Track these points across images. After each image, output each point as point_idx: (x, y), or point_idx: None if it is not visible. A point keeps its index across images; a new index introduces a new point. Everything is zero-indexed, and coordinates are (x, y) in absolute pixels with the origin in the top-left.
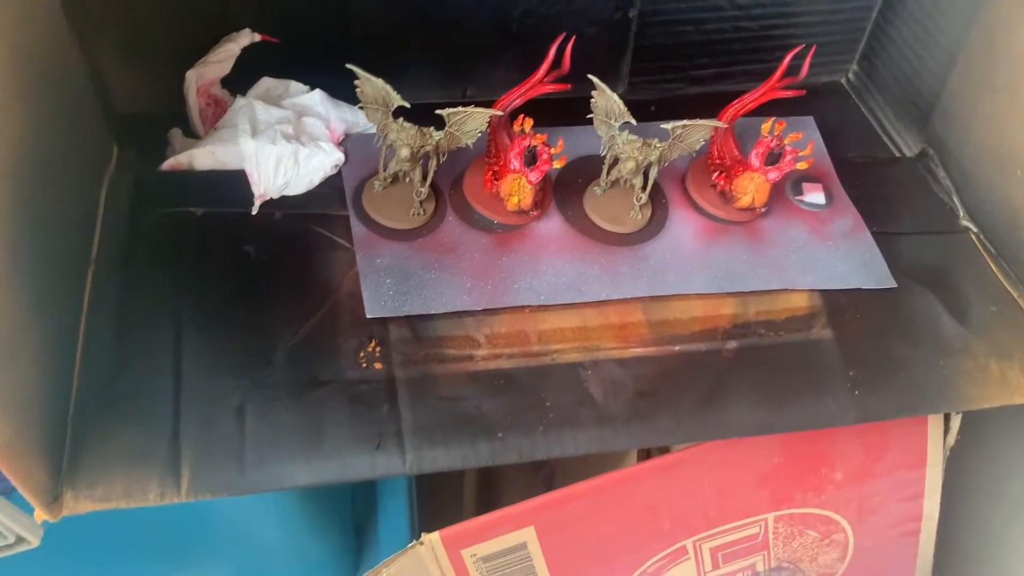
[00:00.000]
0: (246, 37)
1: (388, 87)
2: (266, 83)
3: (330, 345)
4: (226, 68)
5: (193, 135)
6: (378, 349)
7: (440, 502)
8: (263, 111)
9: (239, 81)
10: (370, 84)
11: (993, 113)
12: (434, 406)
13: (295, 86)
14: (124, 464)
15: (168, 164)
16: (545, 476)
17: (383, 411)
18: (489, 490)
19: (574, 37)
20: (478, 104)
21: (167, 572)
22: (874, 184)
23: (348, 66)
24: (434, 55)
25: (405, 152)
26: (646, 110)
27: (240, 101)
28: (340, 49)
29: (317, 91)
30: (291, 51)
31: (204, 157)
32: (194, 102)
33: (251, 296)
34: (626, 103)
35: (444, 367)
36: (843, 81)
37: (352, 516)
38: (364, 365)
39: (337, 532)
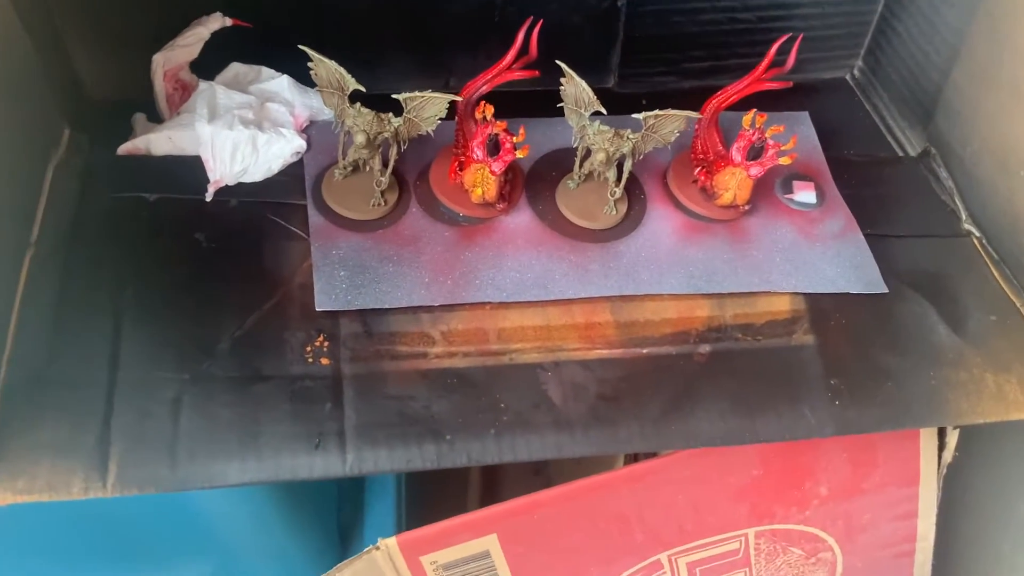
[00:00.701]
0: (217, 21)
1: (342, 70)
2: (235, 68)
3: (276, 338)
4: (194, 52)
5: (160, 120)
6: (326, 344)
7: (441, 507)
8: (224, 96)
9: (211, 66)
10: (323, 66)
11: (996, 109)
12: (380, 405)
13: (266, 72)
14: (48, 456)
15: (124, 148)
16: (543, 481)
17: (326, 409)
18: (492, 495)
19: (541, 21)
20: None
21: (142, 571)
22: (871, 184)
23: (300, 47)
24: (414, 43)
25: (361, 138)
26: (637, 104)
27: (202, 85)
28: (315, 35)
29: (285, 77)
30: (264, 36)
31: (161, 142)
32: (160, 87)
33: (198, 285)
34: (617, 96)
35: (395, 364)
36: (847, 78)
37: (338, 517)
38: (310, 360)
39: (321, 533)
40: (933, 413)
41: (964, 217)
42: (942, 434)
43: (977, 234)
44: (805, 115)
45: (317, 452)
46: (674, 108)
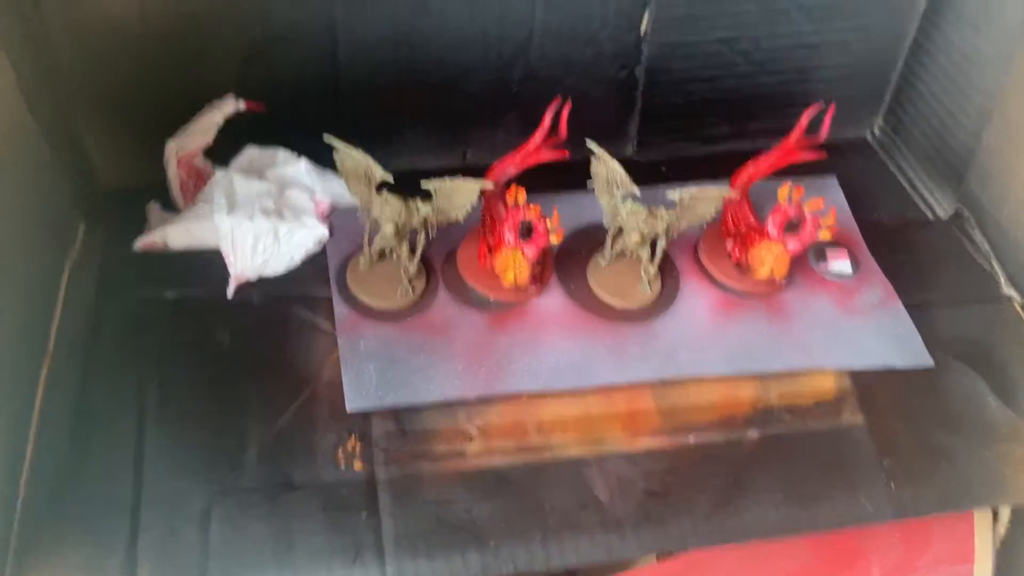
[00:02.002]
0: (230, 105)
1: (370, 159)
2: (251, 153)
3: (306, 443)
4: (208, 138)
5: (174, 209)
6: (358, 446)
7: None
8: (242, 184)
9: (225, 150)
10: (350, 157)
11: None
12: (419, 511)
13: (283, 154)
14: None
15: (142, 243)
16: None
17: (362, 518)
18: None
19: (570, 101)
20: (480, 169)
21: None
22: (905, 249)
23: (326, 137)
24: (431, 118)
25: (389, 228)
26: (656, 171)
27: (218, 174)
28: (330, 113)
29: (303, 160)
30: (279, 117)
31: (179, 235)
32: (174, 174)
33: (223, 389)
34: (635, 164)
35: (431, 466)
36: (868, 136)
37: None
38: (342, 465)
39: None
40: (992, 492)
41: (1003, 281)
42: (995, 508)
43: (1019, 298)
44: (833, 180)
45: (355, 565)
46: (695, 174)
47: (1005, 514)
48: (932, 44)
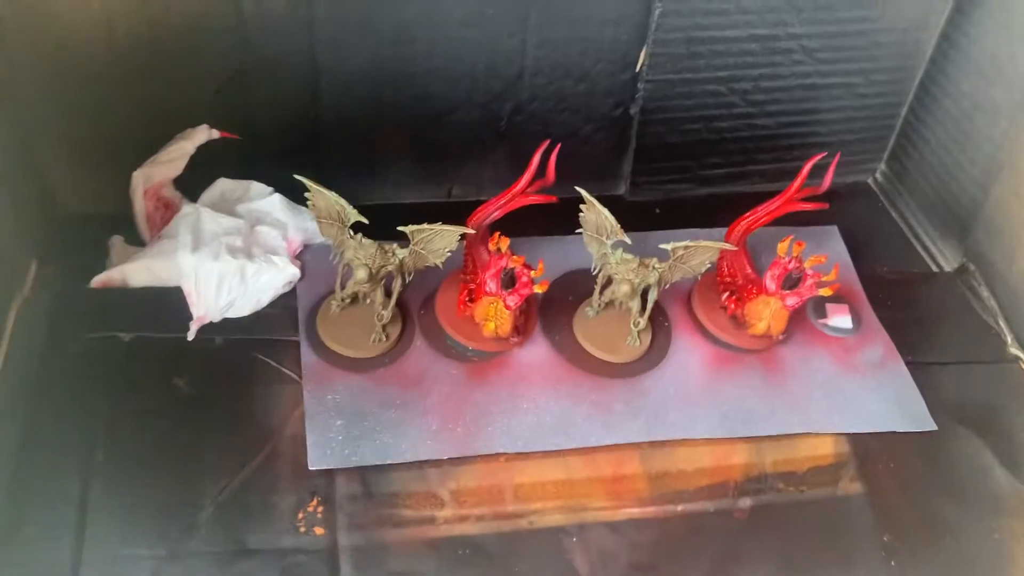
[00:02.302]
0: (203, 134)
1: (343, 201)
2: (222, 185)
3: (264, 503)
4: (178, 168)
5: (139, 242)
6: (320, 509)
7: None
8: (210, 220)
9: (199, 182)
10: (322, 197)
11: None
12: None
13: (256, 188)
14: None
15: (99, 280)
16: None
17: None
18: None
19: (559, 144)
20: (466, 206)
21: None
22: (908, 304)
23: (297, 176)
24: (415, 152)
25: (362, 273)
26: (650, 213)
27: (185, 208)
28: (310, 145)
29: (276, 196)
30: (256, 149)
31: (139, 272)
32: (141, 206)
33: (177, 441)
34: (628, 205)
35: (398, 532)
36: (870, 181)
37: None
38: (303, 529)
39: None
40: (998, 571)
41: (1010, 341)
42: None
43: None
44: (834, 230)
45: None
46: (690, 217)
47: None
48: (939, 89)
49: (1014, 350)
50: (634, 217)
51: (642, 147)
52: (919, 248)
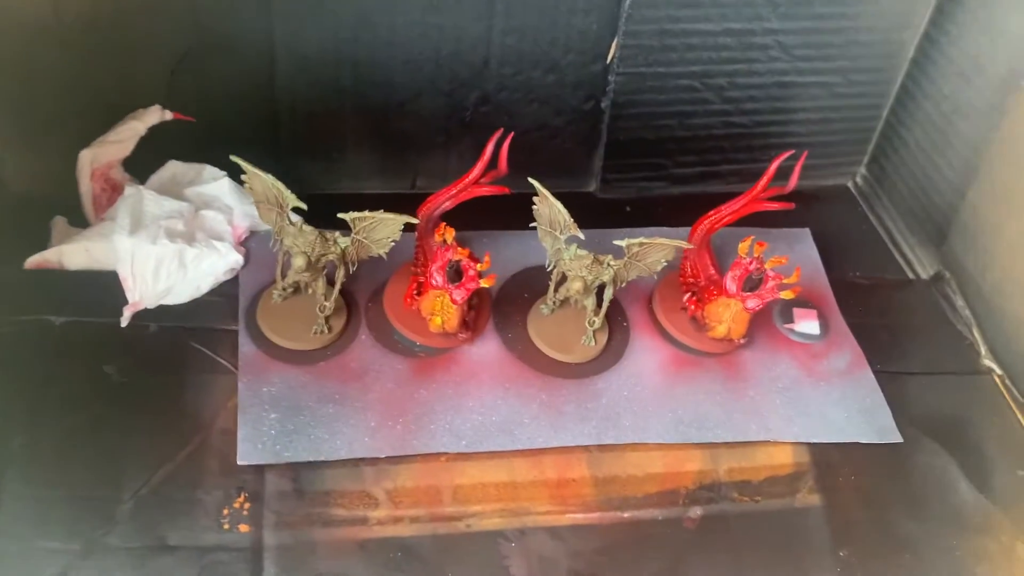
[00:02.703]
0: (155, 115)
1: (280, 184)
2: (173, 167)
3: (188, 498)
4: (127, 149)
5: (84, 225)
6: (247, 506)
7: None
8: (152, 202)
9: (151, 164)
10: (259, 180)
11: (1021, 234)
12: None
13: (209, 171)
14: None
15: (33, 261)
16: None
17: None
18: None
19: (512, 134)
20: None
21: None
22: (879, 311)
23: (233, 158)
24: (377, 140)
25: (300, 261)
26: (621, 211)
27: (128, 190)
28: (267, 131)
29: (226, 179)
30: (211, 132)
31: (76, 254)
32: (87, 187)
33: (102, 429)
34: (599, 202)
35: (328, 532)
36: (850, 185)
37: None
38: (227, 526)
39: None
40: None
41: (983, 352)
42: None
43: (999, 371)
44: (806, 232)
45: None
46: (661, 216)
47: None
48: (920, 91)
49: (987, 361)
50: (604, 215)
51: (613, 142)
52: (896, 254)
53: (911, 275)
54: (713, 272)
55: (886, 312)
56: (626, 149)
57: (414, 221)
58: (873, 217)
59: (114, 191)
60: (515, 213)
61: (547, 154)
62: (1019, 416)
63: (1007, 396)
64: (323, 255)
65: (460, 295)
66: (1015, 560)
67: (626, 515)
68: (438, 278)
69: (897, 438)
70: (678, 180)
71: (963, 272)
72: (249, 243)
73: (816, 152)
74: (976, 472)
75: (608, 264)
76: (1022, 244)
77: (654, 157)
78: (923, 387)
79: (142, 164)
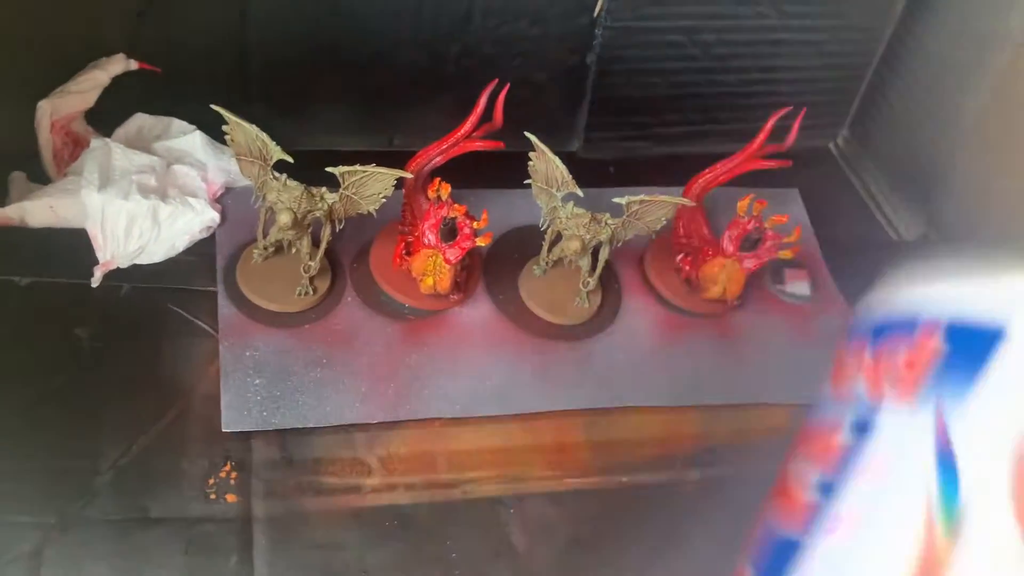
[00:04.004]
0: (119, 64)
1: (264, 135)
2: (140, 120)
3: (171, 468)
4: (90, 100)
5: (44, 181)
6: (234, 475)
7: None
8: (121, 157)
9: (114, 118)
10: (241, 131)
11: (1010, 195)
12: (301, 557)
13: (177, 125)
14: None
15: None
16: None
17: (231, 563)
18: None
19: (508, 85)
20: (408, 157)
21: None
22: (868, 272)
23: (214, 107)
24: (353, 94)
25: (286, 218)
26: (604, 171)
27: (95, 143)
28: (237, 83)
29: (197, 133)
30: (177, 84)
31: (40, 212)
32: (46, 140)
33: (75, 396)
34: (582, 162)
35: (320, 502)
36: (832, 147)
37: None
38: (213, 496)
39: None
40: None
41: None
42: None
43: None
44: (795, 192)
45: None
46: (645, 177)
47: None
48: (906, 50)
49: None
50: (587, 175)
51: (598, 100)
52: (879, 217)
53: (895, 237)
54: (707, 233)
55: (873, 273)
56: (611, 107)
57: (408, 175)
58: (855, 179)
59: (76, 145)
60: (498, 173)
61: (530, 112)
62: None
63: None
64: (309, 212)
65: (454, 255)
66: None
67: (624, 479)
68: (431, 237)
69: None
70: (662, 140)
71: (950, 234)
72: (225, 200)
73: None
74: None
75: (606, 223)
76: (1009, 201)
77: (639, 116)
78: None
79: (106, 117)
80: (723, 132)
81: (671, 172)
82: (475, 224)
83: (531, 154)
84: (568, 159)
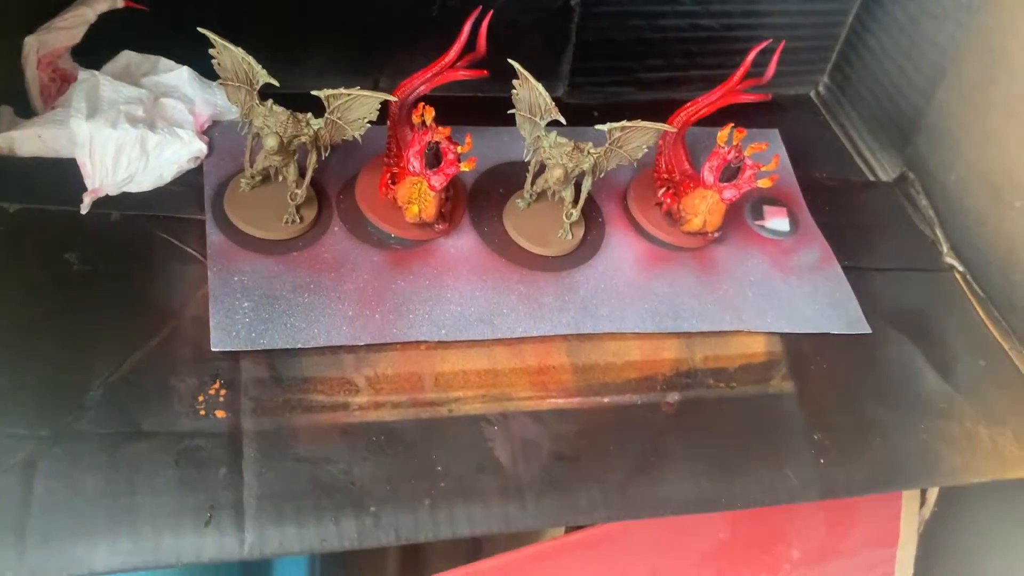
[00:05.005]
0: (105, 1)
1: (250, 59)
2: (128, 57)
3: (161, 385)
4: (76, 36)
5: (31, 115)
6: (223, 392)
7: (358, 568)
8: (109, 88)
9: (100, 56)
10: (228, 54)
11: (987, 132)
12: (289, 469)
13: (164, 63)
14: None
15: None
16: (475, 550)
17: (220, 475)
18: (416, 556)
19: (491, 12)
20: None
21: None
22: (846, 211)
23: (201, 30)
24: (340, 36)
25: (272, 142)
26: (588, 115)
27: (83, 74)
28: (225, 23)
29: (185, 69)
30: (163, 22)
31: (28, 141)
32: (33, 75)
33: (66, 318)
34: (567, 106)
35: (308, 418)
36: (812, 95)
37: None
38: (203, 412)
39: None
40: (926, 473)
41: (945, 250)
42: (923, 488)
43: (960, 268)
44: (775, 133)
45: (208, 530)
46: (629, 121)
47: (932, 496)
48: None
49: (949, 259)
50: (572, 119)
51: (583, 44)
52: (859, 160)
53: (872, 178)
54: (688, 167)
55: (852, 212)
56: (595, 51)
57: (392, 99)
58: (836, 125)
59: (63, 81)
60: (483, 112)
61: (514, 56)
62: (979, 310)
63: (968, 292)
64: (295, 136)
65: (439, 181)
66: (977, 442)
67: (606, 400)
68: (415, 164)
69: (866, 329)
70: (646, 85)
71: (927, 173)
72: (212, 132)
73: (782, 59)
74: (940, 362)
75: (588, 152)
76: (987, 141)
77: (623, 60)
78: (889, 283)
79: (92, 55)
80: (707, 78)
81: (655, 115)
82: (459, 149)
83: (514, 82)
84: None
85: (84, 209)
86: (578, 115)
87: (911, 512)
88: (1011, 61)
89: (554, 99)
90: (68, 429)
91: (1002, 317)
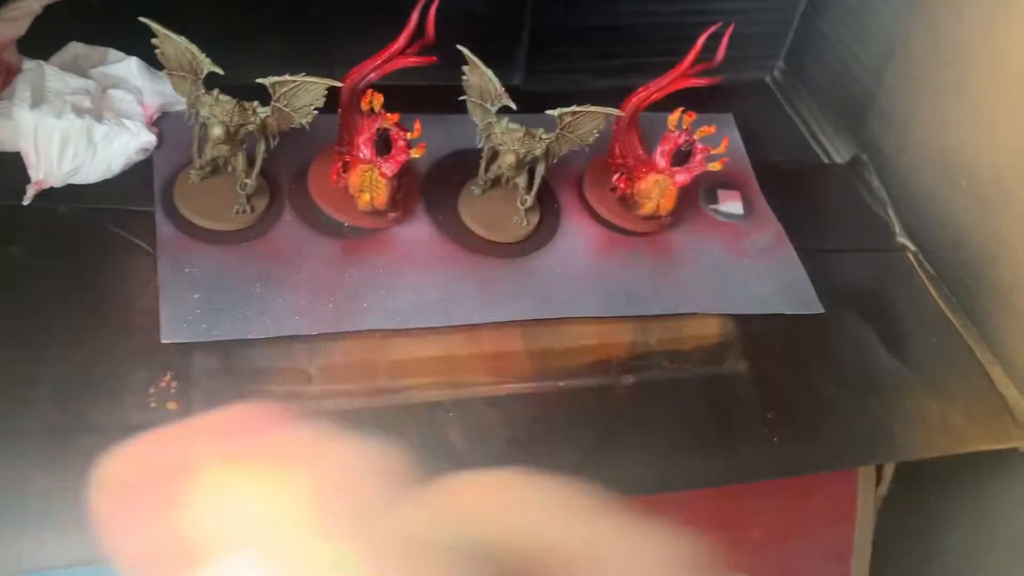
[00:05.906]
0: None
1: (194, 48)
2: (75, 49)
3: (110, 378)
4: (21, 28)
5: None
6: (174, 384)
7: None
8: (55, 78)
9: (46, 47)
10: (171, 43)
11: (935, 112)
12: None
13: (113, 54)
14: None
15: None
16: None
17: None
18: None
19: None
20: None
21: None
22: (799, 194)
23: (142, 20)
24: (291, 25)
25: (218, 131)
26: (545, 104)
27: (27, 64)
28: (175, 12)
29: (134, 59)
30: (115, 13)
31: None
32: None
33: (9, 312)
34: (524, 94)
35: None
36: (768, 79)
37: None
38: (154, 405)
39: None
40: (880, 449)
41: (898, 230)
42: (879, 466)
43: (912, 248)
44: (729, 117)
45: None
46: (579, 106)
47: (888, 472)
48: None
49: (901, 239)
50: (528, 108)
51: (538, 31)
52: (813, 144)
53: (827, 160)
54: (641, 152)
55: (806, 194)
56: (551, 39)
57: (337, 84)
58: (791, 109)
59: (8, 74)
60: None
61: (468, 43)
62: (931, 289)
63: (920, 271)
64: (242, 125)
65: (390, 168)
66: (929, 418)
67: (561, 384)
68: (365, 151)
69: (819, 309)
70: (602, 73)
71: (879, 154)
72: (161, 123)
73: (736, 45)
74: (893, 341)
75: (540, 137)
76: (935, 122)
77: (579, 48)
78: (842, 264)
79: (38, 47)
80: (663, 65)
81: (612, 103)
82: (408, 135)
83: (464, 68)
84: (510, 93)
85: (27, 200)
86: (536, 103)
87: (867, 490)
88: (957, 41)
89: (512, 87)
90: (12, 425)
91: (952, 295)
